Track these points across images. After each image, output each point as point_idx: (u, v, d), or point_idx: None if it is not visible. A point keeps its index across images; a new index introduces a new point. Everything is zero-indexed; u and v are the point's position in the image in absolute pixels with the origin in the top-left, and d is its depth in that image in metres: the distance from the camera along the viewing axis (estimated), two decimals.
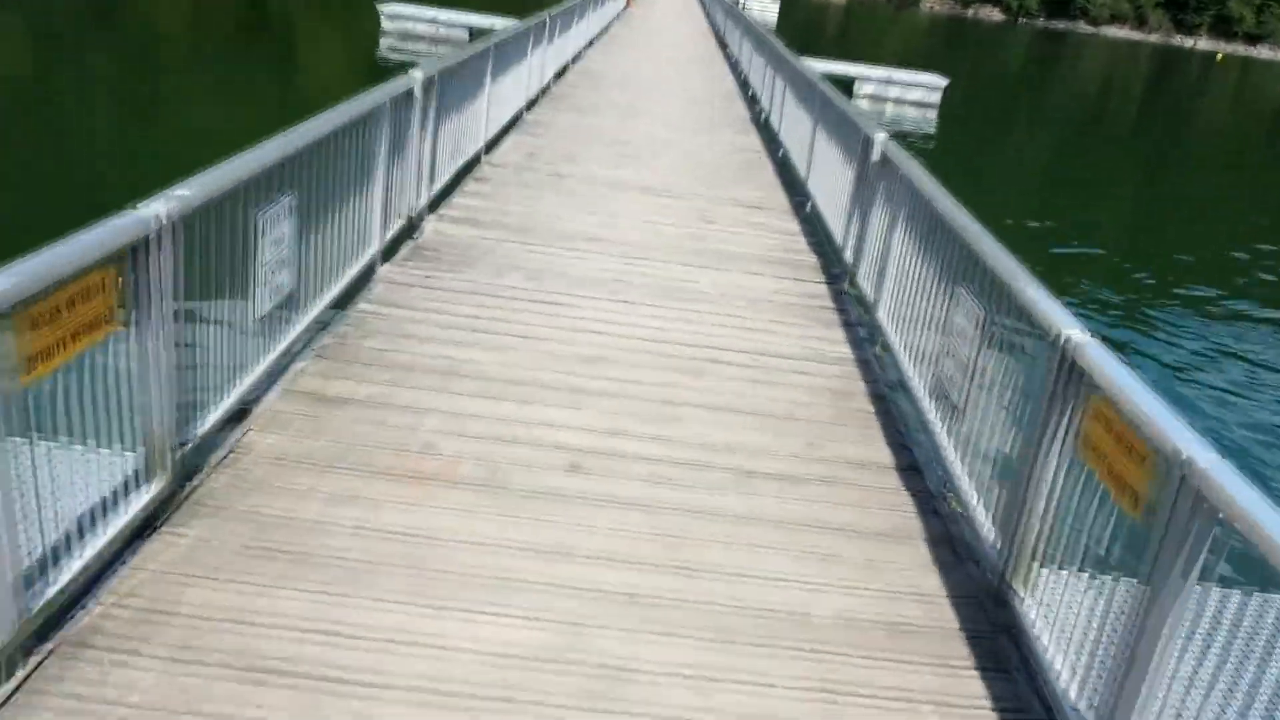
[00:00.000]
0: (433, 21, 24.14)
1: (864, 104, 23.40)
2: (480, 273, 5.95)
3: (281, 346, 4.26)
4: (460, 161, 7.97)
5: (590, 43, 19.69)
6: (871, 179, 6.37)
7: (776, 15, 51.94)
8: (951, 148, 20.79)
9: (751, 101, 15.31)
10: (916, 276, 5.06)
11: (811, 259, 7.24)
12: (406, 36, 24.34)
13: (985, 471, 3.66)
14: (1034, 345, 3.43)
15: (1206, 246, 16.78)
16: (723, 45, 23.78)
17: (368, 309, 5.15)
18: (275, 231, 4.08)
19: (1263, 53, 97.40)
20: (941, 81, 24.71)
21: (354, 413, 4.06)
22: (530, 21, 11.58)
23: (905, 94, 24.32)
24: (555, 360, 4.82)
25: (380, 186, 5.63)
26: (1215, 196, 22.72)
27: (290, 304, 4.35)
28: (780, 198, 9.10)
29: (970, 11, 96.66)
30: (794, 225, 8.18)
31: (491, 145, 9.25)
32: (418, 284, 5.61)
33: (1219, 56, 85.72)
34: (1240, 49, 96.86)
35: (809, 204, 8.73)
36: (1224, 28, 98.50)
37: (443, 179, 7.37)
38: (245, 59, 22.28)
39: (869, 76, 24.20)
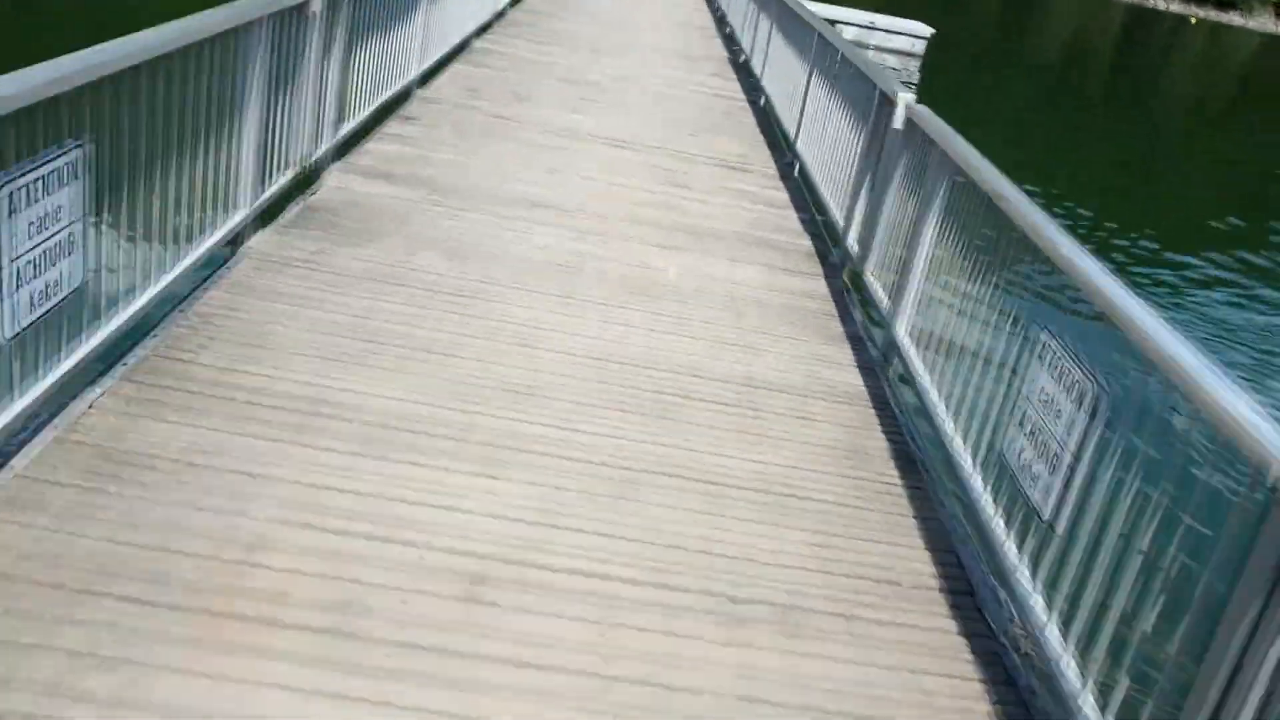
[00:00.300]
0: None
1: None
2: (385, 249, 4.55)
3: (56, 375, 2.87)
4: (384, 96, 6.50)
5: None
6: (890, 151, 5.03)
7: None
8: (934, 102, 19.36)
9: (730, 40, 13.81)
10: (961, 293, 3.76)
11: (805, 242, 5.92)
12: None
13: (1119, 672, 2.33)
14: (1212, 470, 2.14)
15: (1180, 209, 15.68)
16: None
17: (214, 303, 3.73)
18: (40, 206, 2.67)
19: (1234, 19, 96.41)
20: (926, 31, 23.22)
21: (152, 483, 2.70)
22: None
23: (887, 41, 22.80)
24: (468, 393, 3.47)
25: (254, 128, 4.19)
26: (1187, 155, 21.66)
27: (76, 309, 2.95)
28: (764, 156, 7.73)
29: None
30: (781, 193, 6.83)
31: (428, 77, 7.76)
32: (298, 263, 4.20)
33: (1192, 20, 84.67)
34: (1212, 14, 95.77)
35: (798, 166, 7.37)
36: None
37: (358, 118, 5.91)
38: None
39: (850, 21, 22.64)
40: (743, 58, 12.07)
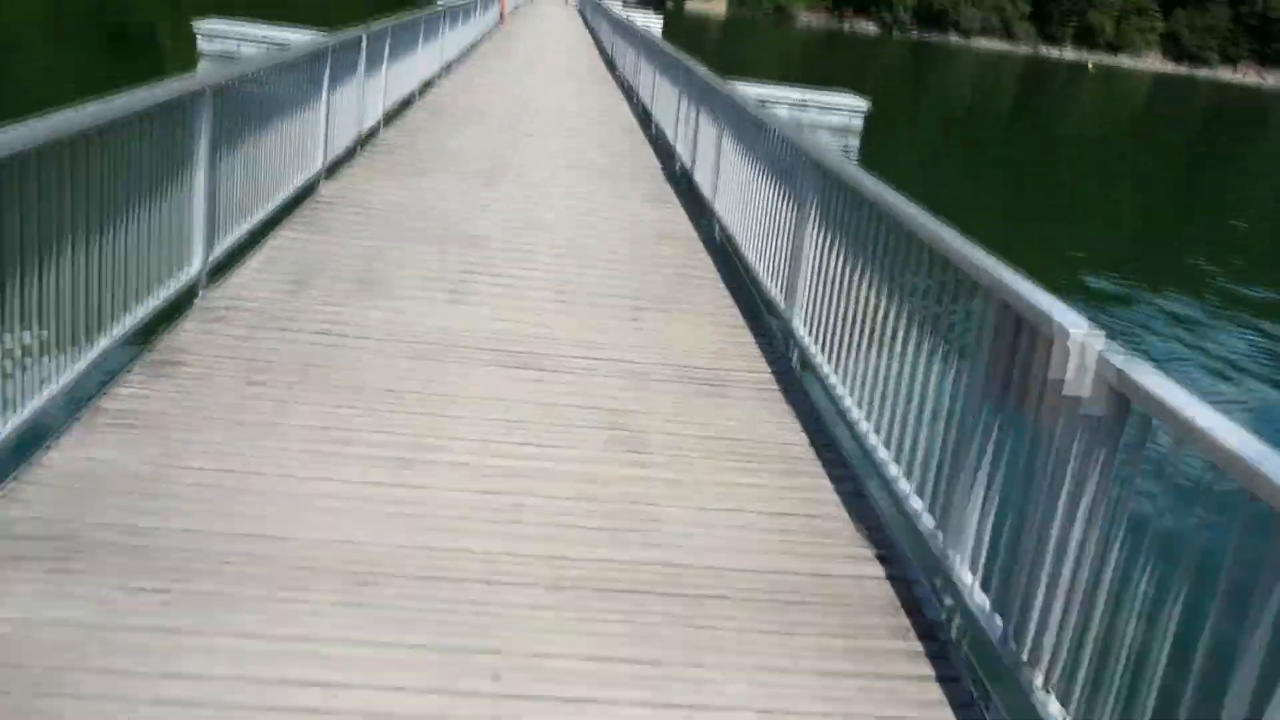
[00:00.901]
0: (263, 41, 19.40)
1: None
2: None
3: None
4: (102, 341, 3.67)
5: (448, 66, 15.36)
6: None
7: (660, 29, 48.23)
8: (880, 172, 17.10)
9: (657, 143, 11.23)
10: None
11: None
12: (229, 59, 19.59)
13: None
14: None
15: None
16: (611, 66, 19.74)
17: None
18: None
19: (1123, 61, 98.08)
20: (862, 104, 21.05)
21: None
22: (341, 37, 7.38)
23: (822, 118, 20.60)
24: None
25: None
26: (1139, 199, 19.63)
27: None
28: (753, 353, 4.97)
29: (845, 25, 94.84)
30: (823, 480, 4.02)
31: (217, 273, 4.93)
32: None
33: (1090, 65, 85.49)
34: (1104, 58, 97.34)
35: (807, 372, 4.63)
36: (1087, 38, 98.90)
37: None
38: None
39: (782, 99, 20.42)
40: (680, 166, 9.44)
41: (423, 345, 4.46)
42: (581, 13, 43.20)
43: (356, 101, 8.19)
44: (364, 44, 8.28)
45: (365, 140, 8.71)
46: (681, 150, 9.56)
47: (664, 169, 9.68)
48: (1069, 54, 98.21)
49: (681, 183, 8.93)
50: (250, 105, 5.28)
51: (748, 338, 5.09)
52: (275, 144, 5.81)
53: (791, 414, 4.22)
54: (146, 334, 4.15)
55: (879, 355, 3.71)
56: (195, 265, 4.64)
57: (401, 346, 4.42)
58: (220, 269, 5.06)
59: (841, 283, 4.22)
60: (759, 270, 5.69)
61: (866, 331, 3.86)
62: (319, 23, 23.12)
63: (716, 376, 4.53)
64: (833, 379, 4.20)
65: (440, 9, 14.67)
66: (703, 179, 8.04)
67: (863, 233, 4.04)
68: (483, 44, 20.67)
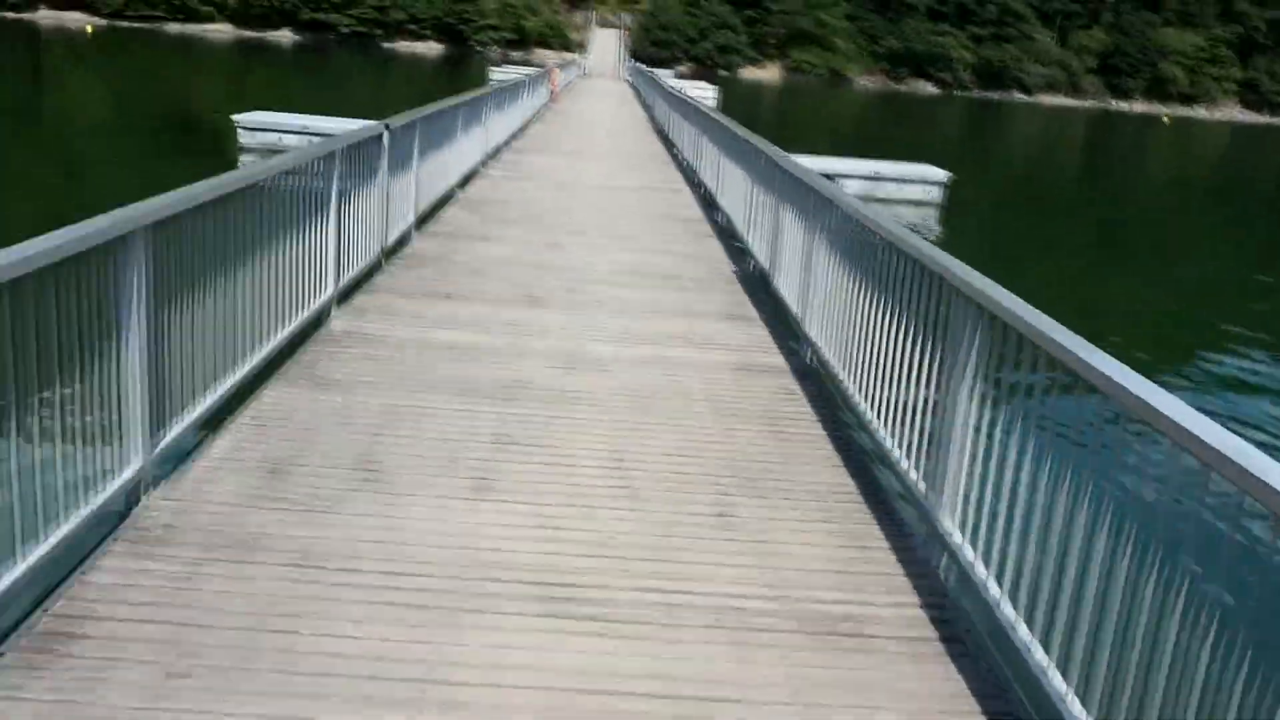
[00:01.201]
0: (304, 131, 18.72)
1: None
2: None
3: None
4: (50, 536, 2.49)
5: (495, 152, 14.42)
6: None
7: (715, 99, 47.50)
8: (968, 256, 15.64)
9: (726, 234, 10.01)
10: None
11: None
12: (274, 154, 18.92)
13: None
14: None
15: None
16: (669, 144, 18.71)
17: None
18: None
19: (1198, 112, 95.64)
20: (941, 175, 19.71)
21: None
22: (354, 135, 6.32)
23: (899, 192, 19.32)
24: None
25: None
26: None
27: None
28: (894, 574, 3.61)
29: (903, 86, 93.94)
30: None
31: (179, 462, 3.75)
32: None
33: (1165, 118, 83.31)
34: (1178, 110, 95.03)
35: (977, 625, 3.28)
36: (1158, 90, 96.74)
37: None
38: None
39: (853, 173, 19.19)
40: (754, 267, 8.18)
41: (430, 581, 3.19)
42: (634, 86, 42.69)
43: (379, 208, 7.08)
44: (385, 140, 7.18)
45: (392, 251, 7.60)
46: (757, 248, 8.30)
47: (737, 271, 8.42)
48: (1139, 107, 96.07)
49: (759, 289, 7.65)
50: (215, 238, 4.11)
51: (880, 543, 3.72)
52: (260, 280, 4.65)
53: (971, 696, 2.84)
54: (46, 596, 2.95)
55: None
56: (130, 468, 3.44)
57: (401, 587, 3.14)
58: (180, 453, 3.87)
59: (1019, 471, 2.88)
60: (882, 435, 4.33)
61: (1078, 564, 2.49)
62: (376, 113, 22.48)
63: (849, 623, 3.16)
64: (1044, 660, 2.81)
65: (492, 88, 13.75)
66: (788, 290, 6.75)
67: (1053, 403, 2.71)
68: (532, 125, 19.82)
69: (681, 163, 15.97)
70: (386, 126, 7.17)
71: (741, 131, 10.16)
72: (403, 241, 8.00)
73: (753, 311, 7.05)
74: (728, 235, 9.99)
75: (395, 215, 7.66)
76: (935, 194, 19.52)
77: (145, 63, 55.49)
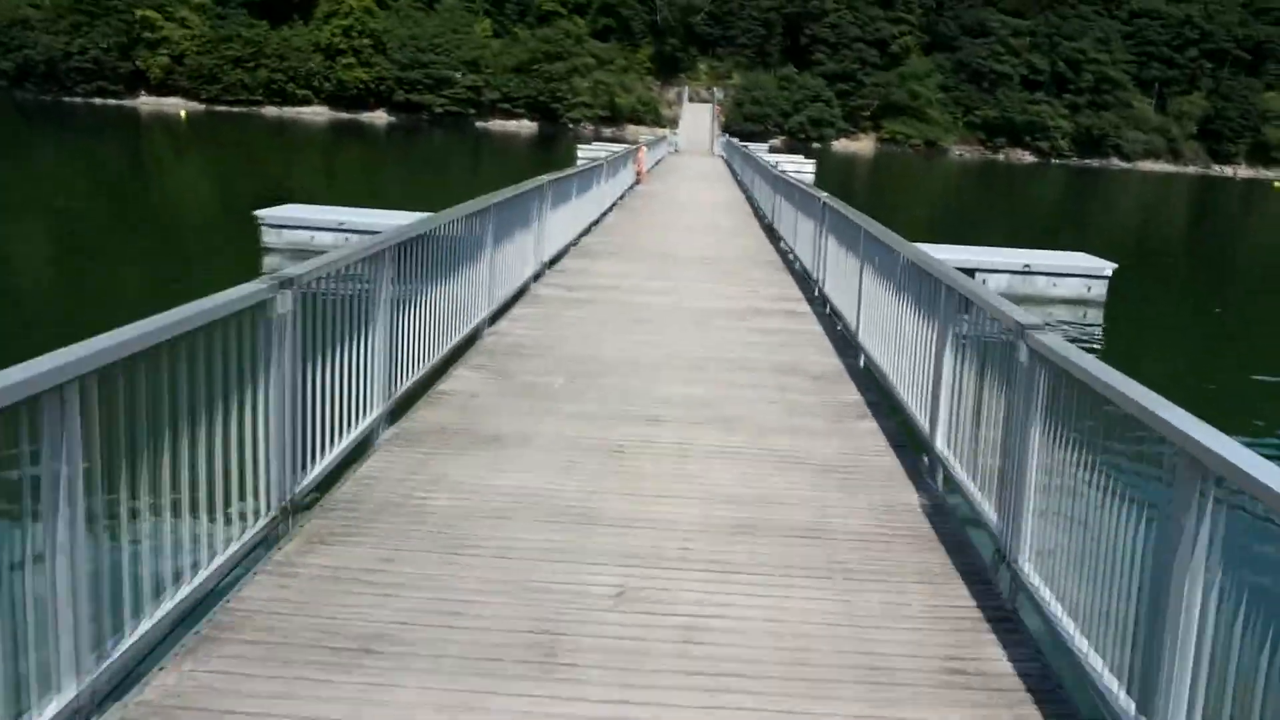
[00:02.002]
0: (342, 228, 15.74)
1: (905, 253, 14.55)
2: None
3: None
4: None
5: (557, 257, 11.16)
6: None
7: (813, 174, 44.11)
8: (1129, 357, 11.67)
9: (868, 378, 6.45)
10: None
11: None
12: (302, 254, 15.88)
13: None
14: None
15: None
16: (773, 235, 15.27)
17: None
18: None
19: None
20: (1104, 266, 15.80)
21: None
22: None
23: (1054, 288, 15.51)
24: None
25: None
26: None
27: None
28: None
29: (1000, 155, 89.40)
30: None
31: None
32: None
33: (1276, 184, 77.22)
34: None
35: None
36: (1261, 155, 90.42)
37: None
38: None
39: (998, 265, 15.47)
40: (924, 426, 4.56)
41: None
42: (728, 162, 39.50)
43: (382, 359, 3.79)
44: (389, 259, 3.86)
45: (391, 418, 4.22)
46: (919, 413, 4.72)
47: (894, 445, 4.87)
48: (1243, 172, 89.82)
49: (933, 481, 4.07)
50: None
51: None
52: None
53: None
54: None
55: None
56: None
57: None
58: None
59: None
60: None
61: None
62: (442, 198, 19.53)
63: None
64: None
65: (548, 179, 10.54)
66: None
67: None
68: (611, 216, 16.57)
69: (794, 265, 12.47)
70: (384, 247, 3.82)
71: (880, 233, 6.67)
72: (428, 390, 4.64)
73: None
74: (868, 377, 6.44)
75: (395, 373, 4.30)
76: (1098, 290, 15.61)
77: (235, 148, 54.56)
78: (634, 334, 8.15)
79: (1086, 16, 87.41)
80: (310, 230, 16.15)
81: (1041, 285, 15.52)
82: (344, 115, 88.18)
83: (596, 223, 15.29)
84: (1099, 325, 14.93)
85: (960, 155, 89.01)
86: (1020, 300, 14.69)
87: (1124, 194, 61.43)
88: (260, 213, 16.36)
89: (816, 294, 10.38)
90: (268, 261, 15.59)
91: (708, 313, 9.17)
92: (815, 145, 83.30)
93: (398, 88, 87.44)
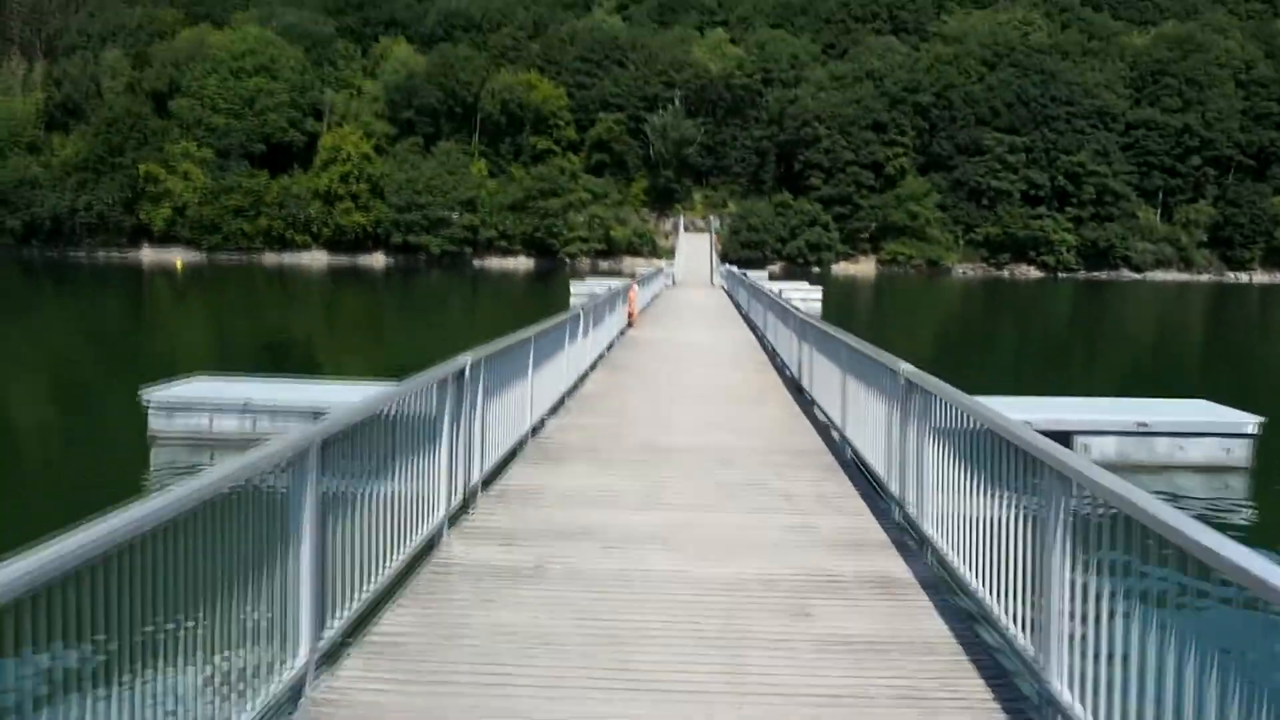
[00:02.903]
0: (248, 410, 11.88)
1: (1099, 481, 10.43)
2: None
3: None
4: None
5: (519, 446, 7.28)
6: None
7: (820, 302, 40.64)
8: None
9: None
10: None
11: None
12: (198, 444, 11.97)
13: None
14: None
15: None
16: (801, 395, 11.37)
17: None
18: None
19: None
20: (1245, 421, 11.81)
21: None
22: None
23: (1180, 450, 11.54)
24: None
25: None
26: None
27: None
28: None
29: (1005, 272, 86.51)
30: None
31: None
32: None
33: None
34: None
35: None
36: (1276, 259, 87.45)
37: None
38: None
39: (1099, 425, 11.55)
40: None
41: None
42: (730, 294, 36.06)
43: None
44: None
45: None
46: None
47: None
48: (1259, 278, 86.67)
49: None
50: None
51: None
52: None
53: None
54: None
55: None
56: None
57: None
58: None
59: None
60: None
61: None
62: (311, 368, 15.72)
63: None
64: None
65: (499, 350, 6.79)
66: None
67: None
68: (592, 381, 12.69)
69: (844, 453, 8.50)
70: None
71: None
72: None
73: None
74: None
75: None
76: (1240, 452, 11.58)
77: (219, 297, 51.67)
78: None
79: (1082, 130, 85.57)
80: (208, 412, 12.36)
81: (1163, 450, 11.51)
82: (343, 259, 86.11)
83: (571, 392, 11.50)
84: (1246, 503, 10.88)
85: (964, 274, 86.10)
86: (1138, 470, 10.58)
87: (1140, 306, 57.93)
88: (148, 392, 12.53)
89: (898, 515, 6.44)
90: (155, 458, 11.79)
91: (735, 591, 5.10)
92: (815, 269, 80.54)
93: (395, 230, 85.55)
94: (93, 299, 48.30)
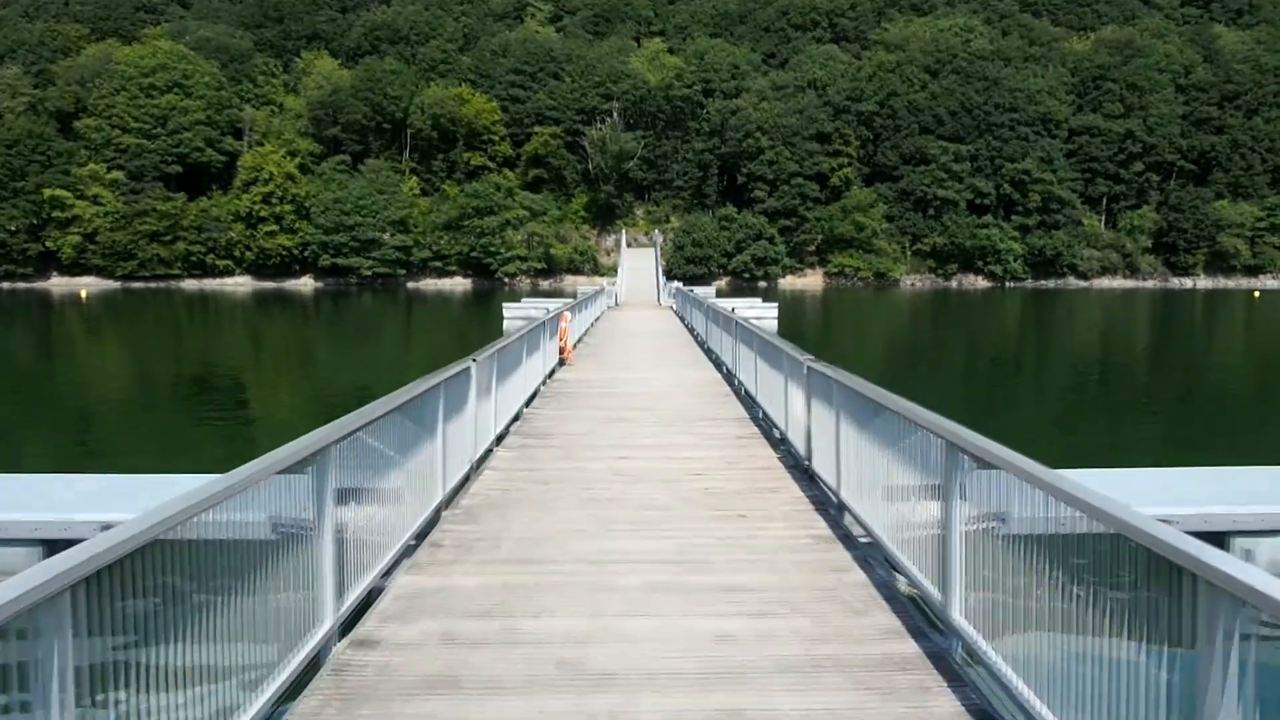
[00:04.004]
0: None
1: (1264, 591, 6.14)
2: None
3: None
4: None
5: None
6: None
7: (776, 320, 36.63)
8: None
9: None
10: None
11: None
12: None
13: None
14: None
15: None
16: (809, 477, 7.07)
17: None
18: None
19: (1268, 283, 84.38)
20: None
21: None
22: None
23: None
24: None
25: None
26: None
27: None
28: None
29: (953, 282, 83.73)
30: None
31: None
32: None
33: (1256, 294, 71.94)
34: (1243, 283, 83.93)
35: None
36: (1220, 264, 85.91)
37: None
38: None
39: (1263, 521, 7.52)
40: None
41: None
42: (681, 316, 31.85)
43: None
44: None
45: None
46: None
47: None
48: (1203, 283, 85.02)
49: None
50: None
51: None
52: None
53: None
54: None
55: None
56: None
57: None
58: None
59: None
60: None
61: None
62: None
63: None
64: None
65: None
66: None
67: None
68: (492, 468, 8.18)
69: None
70: None
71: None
72: None
73: None
74: None
75: None
76: None
77: (117, 332, 46.29)
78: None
79: (1026, 137, 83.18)
80: None
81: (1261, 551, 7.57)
82: (269, 284, 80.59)
83: (462, 487, 7.20)
84: None
85: (912, 285, 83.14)
86: None
87: (1093, 313, 55.02)
88: None
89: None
90: None
91: None
92: (762, 284, 76.98)
93: (323, 252, 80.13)
94: None
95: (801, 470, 8.01)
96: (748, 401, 12.09)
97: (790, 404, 8.69)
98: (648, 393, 13.03)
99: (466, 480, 7.55)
